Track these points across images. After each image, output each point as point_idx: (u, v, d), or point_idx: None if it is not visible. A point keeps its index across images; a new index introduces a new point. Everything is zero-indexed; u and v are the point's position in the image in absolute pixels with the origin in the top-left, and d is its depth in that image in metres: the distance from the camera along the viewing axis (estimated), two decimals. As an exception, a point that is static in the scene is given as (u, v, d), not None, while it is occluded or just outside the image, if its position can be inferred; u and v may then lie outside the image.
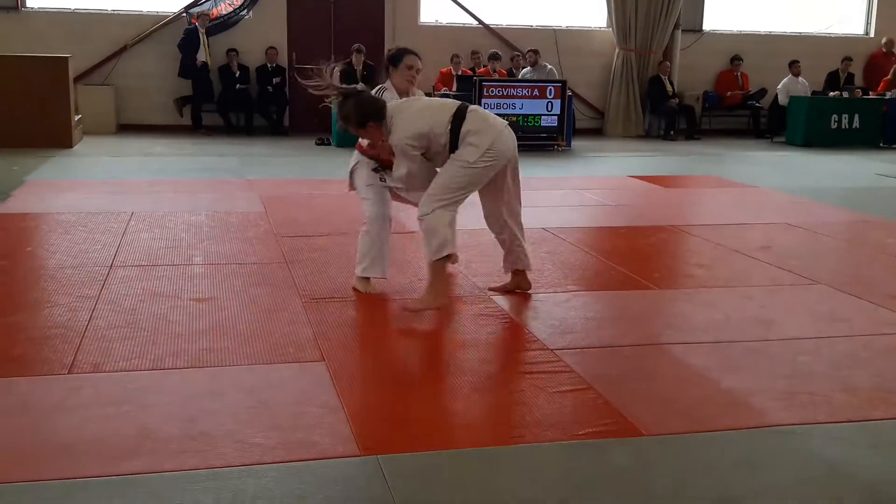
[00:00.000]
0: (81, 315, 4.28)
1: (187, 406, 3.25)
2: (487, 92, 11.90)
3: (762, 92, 14.86)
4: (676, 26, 14.65)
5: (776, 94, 14.53)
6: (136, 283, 4.90)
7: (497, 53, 13.30)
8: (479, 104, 11.81)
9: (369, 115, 4.31)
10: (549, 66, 13.27)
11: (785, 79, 14.36)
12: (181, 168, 9.60)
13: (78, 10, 12.98)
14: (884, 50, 15.35)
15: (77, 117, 11.57)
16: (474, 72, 13.33)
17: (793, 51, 14.86)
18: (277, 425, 3.09)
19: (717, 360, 3.89)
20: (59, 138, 10.81)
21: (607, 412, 3.29)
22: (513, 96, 11.99)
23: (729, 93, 14.90)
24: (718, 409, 3.36)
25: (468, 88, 12.17)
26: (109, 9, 13.11)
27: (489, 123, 4.44)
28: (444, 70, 13.29)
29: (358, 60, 12.48)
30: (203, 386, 3.45)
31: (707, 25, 15.20)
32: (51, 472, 2.73)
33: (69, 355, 3.73)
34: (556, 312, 4.57)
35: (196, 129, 13.08)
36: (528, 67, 13.20)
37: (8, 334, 4.02)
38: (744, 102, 14.94)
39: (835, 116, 13.53)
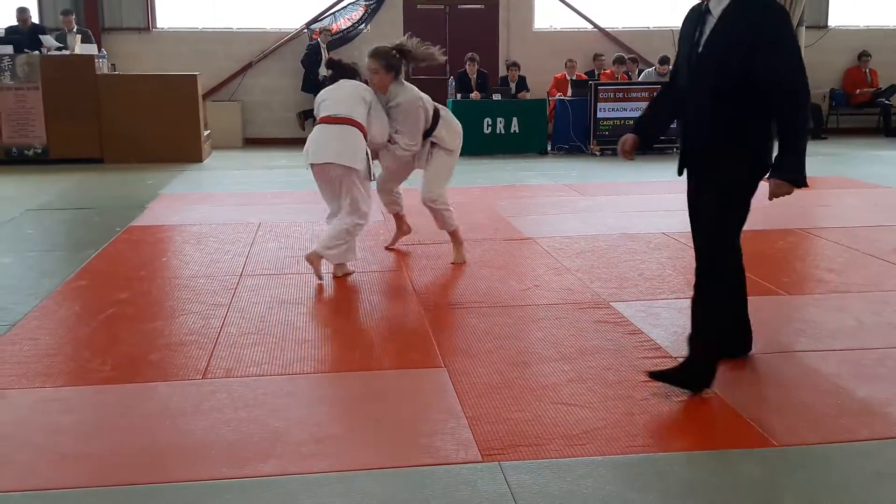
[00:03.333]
0: (214, 322, 4.46)
1: (315, 410, 3.34)
2: (602, 95, 11.80)
3: (893, 89, 14.19)
4: (800, 23, 14.10)
5: (907, 91, 13.87)
6: (265, 291, 5.07)
7: (623, 57, 13.13)
8: (595, 108, 11.77)
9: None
10: None
11: (916, 74, 13.69)
12: (304, 180, 9.77)
13: (205, 30, 13.55)
14: None
15: (206, 132, 12.06)
16: (592, 76, 13.22)
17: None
18: (400, 430, 3.15)
19: (851, 368, 3.74)
20: (189, 153, 11.30)
21: (736, 422, 3.21)
22: (628, 99, 11.84)
23: (857, 90, 14.29)
24: (853, 419, 3.23)
25: (583, 93, 12.09)
26: (235, 27, 13.64)
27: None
28: (558, 75, 13.23)
29: (472, 69, 12.56)
30: (329, 390, 3.54)
31: (832, 21, 14.64)
32: (187, 474, 2.85)
33: (203, 361, 3.89)
34: (679, 319, 4.48)
35: (317, 141, 13.41)
36: (654, 72, 12.95)
37: (147, 340, 4.23)
38: (873, 100, 14.30)
39: (972, 112, 12.80)
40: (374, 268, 5.62)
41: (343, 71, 5.47)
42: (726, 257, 3.47)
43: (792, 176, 3.27)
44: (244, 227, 6.94)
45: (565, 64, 13.24)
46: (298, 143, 13.31)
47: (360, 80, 5.46)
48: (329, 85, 5.45)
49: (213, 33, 13.54)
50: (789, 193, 3.32)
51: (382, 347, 4.09)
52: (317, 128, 5.28)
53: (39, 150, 10.93)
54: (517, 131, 12.04)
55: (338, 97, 5.26)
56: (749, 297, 4.88)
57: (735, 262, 3.58)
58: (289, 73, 13.49)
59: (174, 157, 11.06)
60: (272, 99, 13.69)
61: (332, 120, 5.15)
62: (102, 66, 11.32)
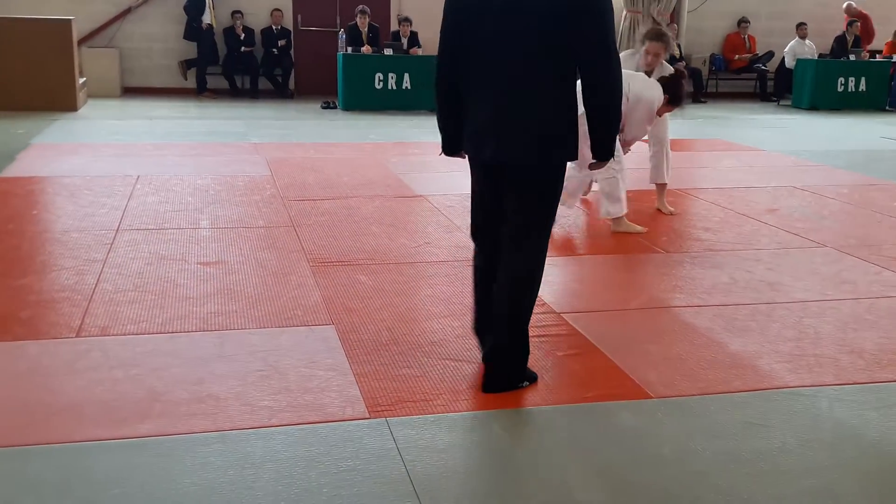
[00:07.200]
0: (88, 278, 4.29)
1: (196, 369, 3.26)
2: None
3: (769, 55, 14.72)
4: (684, -12, 14.48)
5: (783, 57, 14.40)
6: (143, 246, 4.90)
7: None
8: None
9: None
10: None
11: (792, 41, 14.22)
12: (186, 131, 9.57)
13: (80, -28, 12.86)
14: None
15: (81, 80, 11.52)
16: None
17: (800, 13, 14.70)
18: (285, 388, 3.11)
19: (724, 322, 3.90)
20: (63, 101, 10.78)
21: (615, 375, 3.30)
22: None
23: (736, 56, 14.76)
24: (726, 371, 3.37)
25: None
26: (112, -30, 12.99)
27: None
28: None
29: (363, 22, 12.37)
30: (211, 349, 3.46)
31: (714, -13, 15.03)
32: (60, 435, 2.74)
33: (77, 318, 3.74)
34: (563, 276, 4.57)
35: (200, 92, 13.01)
36: None
37: (16, 297, 4.03)
38: (750, 65, 14.81)
39: (841, 79, 13.43)
40: (260, 223, 5.51)
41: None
42: None
43: None
44: (121, 179, 6.68)
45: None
46: (180, 92, 13.05)
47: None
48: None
49: (89, -24, 12.87)
50: None
51: (268, 304, 4.02)
52: None
53: None
54: (409, 88, 11.95)
55: None
56: (628, 255, 5.03)
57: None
58: (171, 20, 12.98)
59: (47, 105, 10.53)
60: (153, 46, 13.16)
61: None
62: (-33, 7, 10.64)
